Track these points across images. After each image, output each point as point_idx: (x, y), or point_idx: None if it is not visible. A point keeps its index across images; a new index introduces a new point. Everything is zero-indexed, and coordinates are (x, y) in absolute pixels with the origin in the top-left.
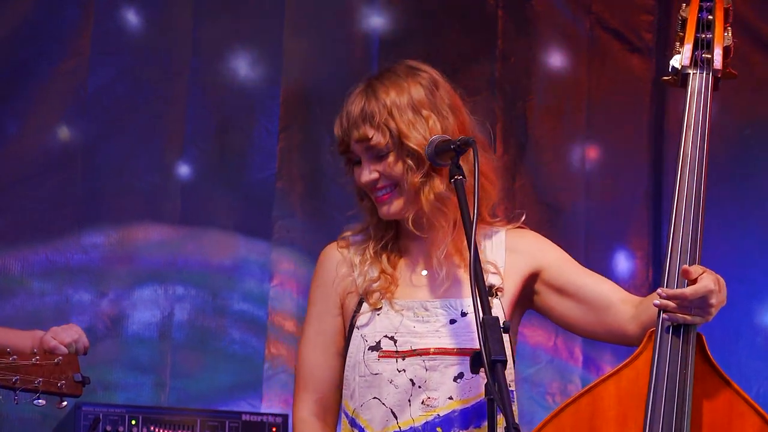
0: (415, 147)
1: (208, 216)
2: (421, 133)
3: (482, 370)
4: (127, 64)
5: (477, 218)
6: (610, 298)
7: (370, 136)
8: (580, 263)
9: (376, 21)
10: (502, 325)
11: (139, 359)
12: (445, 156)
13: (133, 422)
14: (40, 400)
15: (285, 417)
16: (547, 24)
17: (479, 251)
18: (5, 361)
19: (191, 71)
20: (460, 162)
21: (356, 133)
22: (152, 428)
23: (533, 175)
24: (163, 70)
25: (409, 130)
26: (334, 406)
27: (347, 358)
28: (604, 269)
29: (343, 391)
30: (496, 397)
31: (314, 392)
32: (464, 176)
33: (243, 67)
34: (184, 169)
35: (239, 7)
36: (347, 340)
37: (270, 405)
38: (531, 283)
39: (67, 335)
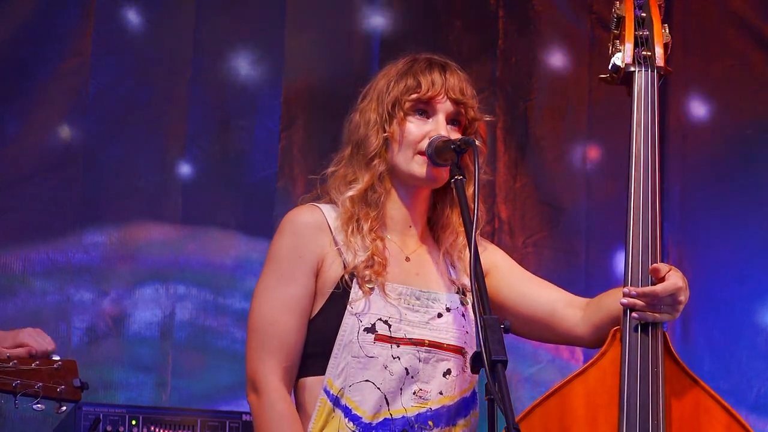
0: (481, 132)
1: (210, 215)
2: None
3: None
4: (129, 63)
5: (477, 218)
6: (554, 304)
7: (467, 102)
8: (580, 263)
9: (377, 20)
10: (502, 326)
11: (140, 359)
12: (445, 156)
13: (134, 422)
14: (39, 405)
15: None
16: (548, 24)
17: (458, 254)
18: (6, 366)
19: (192, 70)
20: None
21: (460, 90)
22: (152, 428)
23: (534, 175)
24: (164, 69)
25: (479, 122)
26: (295, 375)
27: (338, 336)
28: (605, 269)
29: (329, 369)
30: (497, 397)
31: (285, 359)
32: (464, 177)
33: (244, 66)
34: (185, 169)
35: (240, 7)
36: (326, 305)
37: None
38: None
39: (42, 342)
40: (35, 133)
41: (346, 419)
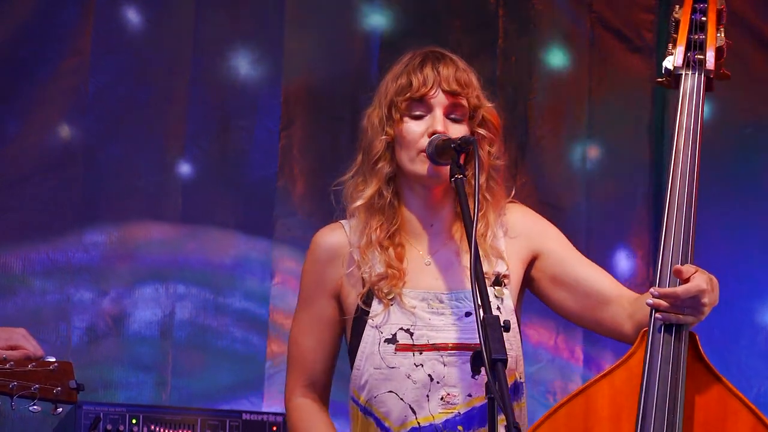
0: (489, 118)
1: (209, 214)
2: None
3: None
4: (128, 63)
5: (477, 218)
6: (609, 294)
7: (463, 92)
8: None
9: (377, 20)
10: (502, 324)
11: (140, 358)
12: (446, 155)
13: (134, 421)
14: (35, 407)
15: (285, 416)
16: (548, 23)
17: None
18: (2, 368)
19: (192, 70)
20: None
21: (455, 84)
22: (153, 427)
23: (534, 174)
24: (164, 68)
25: (483, 109)
26: (327, 388)
27: (360, 349)
28: (605, 268)
29: (353, 380)
30: (497, 396)
31: (308, 378)
32: (465, 175)
33: (244, 65)
34: (185, 168)
35: (240, 6)
36: (353, 329)
37: (271, 404)
38: (529, 267)
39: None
40: (35, 133)
41: (378, 429)
